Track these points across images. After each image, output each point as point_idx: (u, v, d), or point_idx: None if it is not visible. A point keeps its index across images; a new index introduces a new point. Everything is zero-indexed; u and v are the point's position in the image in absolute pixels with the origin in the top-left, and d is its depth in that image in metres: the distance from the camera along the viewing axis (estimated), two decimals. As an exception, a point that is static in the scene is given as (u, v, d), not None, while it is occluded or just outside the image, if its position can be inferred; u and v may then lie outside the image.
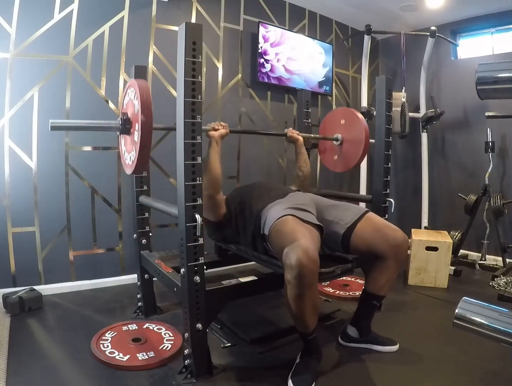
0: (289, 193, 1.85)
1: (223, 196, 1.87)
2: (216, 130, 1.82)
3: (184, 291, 1.50)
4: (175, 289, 1.62)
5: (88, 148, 2.49)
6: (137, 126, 1.50)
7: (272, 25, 3.13)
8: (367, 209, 1.79)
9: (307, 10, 3.46)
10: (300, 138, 2.26)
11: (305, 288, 1.35)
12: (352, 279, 2.70)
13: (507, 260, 2.96)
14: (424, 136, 3.54)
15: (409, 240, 2.66)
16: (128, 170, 1.70)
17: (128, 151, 1.65)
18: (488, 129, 3.05)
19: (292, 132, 2.26)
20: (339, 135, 2.39)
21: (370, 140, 2.25)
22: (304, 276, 1.32)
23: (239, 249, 1.93)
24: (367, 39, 3.50)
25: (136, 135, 1.51)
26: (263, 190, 1.86)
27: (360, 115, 2.28)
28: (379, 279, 1.70)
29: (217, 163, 1.75)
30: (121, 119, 1.60)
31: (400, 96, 3.30)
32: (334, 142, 2.42)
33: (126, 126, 1.60)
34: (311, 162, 2.36)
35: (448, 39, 3.36)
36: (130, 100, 1.62)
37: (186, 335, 1.52)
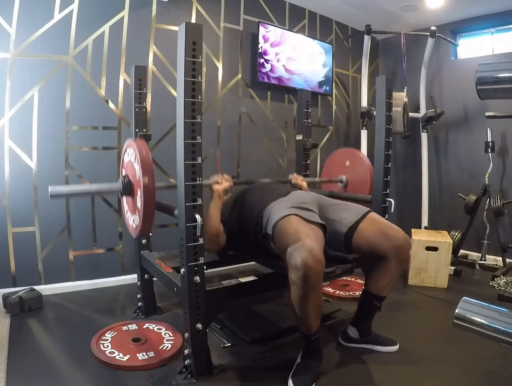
0: (291, 191, 1.83)
1: (222, 234, 1.79)
2: (219, 184, 1.79)
3: (184, 291, 1.50)
4: (175, 289, 1.62)
5: (88, 148, 2.49)
6: (139, 192, 1.51)
7: (272, 25, 3.13)
8: (369, 209, 1.78)
9: (307, 10, 3.46)
10: (305, 184, 2.24)
11: (310, 289, 1.34)
12: (352, 279, 2.70)
13: (507, 260, 2.96)
14: (424, 136, 3.54)
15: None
16: (133, 234, 1.71)
17: (131, 213, 1.66)
18: (488, 129, 3.05)
19: (296, 178, 2.25)
20: (344, 177, 2.41)
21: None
22: (310, 277, 1.31)
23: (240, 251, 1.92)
24: (367, 39, 3.50)
25: (139, 202, 1.52)
26: (264, 189, 1.85)
27: (363, 156, 2.31)
28: (380, 280, 1.70)
29: (217, 218, 1.73)
30: (122, 182, 1.62)
31: (402, 96, 3.30)
32: (339, 184, 2.45)
33: (127, 189, 1.61)
34: (311, 162, 2.36)
35: (448, 39, 3.36)
36: (131, 162, 1.62)
37: (186, 335, 1.52)
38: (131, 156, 1.63)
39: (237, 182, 1.98)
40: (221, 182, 1.80)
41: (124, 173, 1.73)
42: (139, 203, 1.54)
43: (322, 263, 1.34)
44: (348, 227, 1.69)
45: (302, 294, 1.35)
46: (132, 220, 1.68)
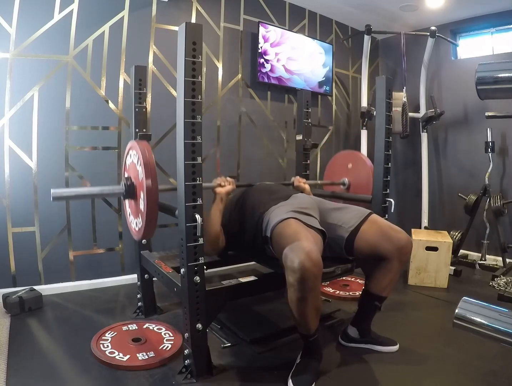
0: (292, 195, 1.82)
1: (222, 236, 1.79)
2: (222, 186, 1.78)
3: (184, 291, 1.50)
4: (175, 289, 1.62)
5: (88, 148, 2.49)
6: (142, 195, 1.50)
7: (272, 25, 3.13)
8: (370, 211, 1.77)
9: (307, 10, 3.46)
10: (307, 186, 2.24)
11: (307, 292, 1.34)
12: (352, 279, 2.70)
13: (507, 260, 2.96)
14: (424, 136, 3.54)
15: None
16: (135, 237, 1.71)
17: (134, 216, 1.65)
18: (488, 129, 3.05)
19: (299, 181, 2.24)
20: (346, 179, 2.42)
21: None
22: (307, 279, 1.30)
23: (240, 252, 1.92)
24: (367, 39, 3.50)
25: (142, 205, 1.51)
26: (265, 193, 1.83)
27: (365, 158, 2.31)
28: (382, 280, 1.69)
29: (217, 222, 1.72)
30: (124, 185, 1.61)
31: (401, 96, 3.30)
32: (342, 186, 2.45)
33: (130, 192, 1.60)
34: (311, 162, 2.35)
35: (448, 39, 3.36)
36: (133, 164, 1.62)
37: (186, 335, 1.52)
38: (133, 158, 1.62)
39: (240, 185, 1.97)
40: (224, 185, 1.78)
41: (126, 175, 1.72)
42: (142, 206, 1.53)
43: (319, 265, 1.33)
44: (349, 231, 1.68)
45: (300, 296, 1.35)
46: (135, 223, 1.67)
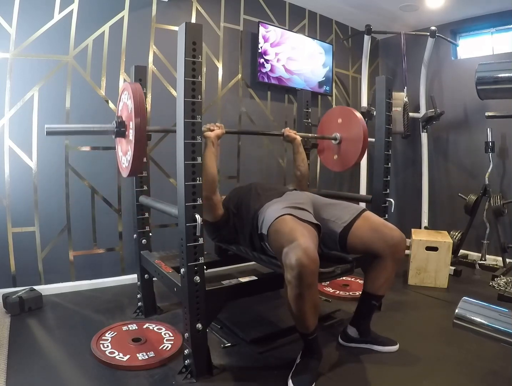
0: (286, 192, 1.85)
1: (220, 196, 1.86)
2: (212, 130, 1.80)
3: (184, 291, 1.50)
4: (175, 289, 1.62)
5: (88, 148, 2.49)
6: (131, 125, 1.50)
7: (272, 25, 3.13)
8: (364, 208, 1.78)
9: (307, 10, 3.46)
10: (298, 137, 2.26)
11: (305, 288, 1.35)
12: (352, 279, 2.70)
13: (507, 260, 2.96)
14: (424, 136, 3.54)
15: (409, 240, 2.66)
16: (125, 173, 1.69)
17: (124, 153, 1.64)
18: (488, 129, 3.05)
19: (289, 131, 2.26)
20: (338, 134, 2.39)
21: (369, 139, 2.25)
22: (305, 276, 1.32)
23: (239, 249, 1.92)
24: (367, 39, 3.50)
25: (131, 134, 1.50)
26: (260, 190, 1.85)
27: (357, 113, 2.28)
28: (377, 279, 1.70)
29: (213, 164, 1.73)
30: (115, 122, 1.60)
31: (402, 96, 3.29)
32: (333, 141, 2.42)
33: (121, 129, 1.60)
34: (311, 163, 2.35)
35: (448, 39, 3.36)
36: (124, 104, 1.61)
37: (186, 335, 1.52)
38: (124, 98, 1.61)
39: (229, 132, 2.00)
40: (214, 129, 1.81)
41: (118, 115, 1.71)
42: (131, 135, 1.51)
43: (316, 261, 1.35)
44: (342, 226, 1.69)
45: (298, 293, 1.36)
46: (126, 160, 1.65)
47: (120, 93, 1.70)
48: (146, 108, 1.52)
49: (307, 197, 1.85)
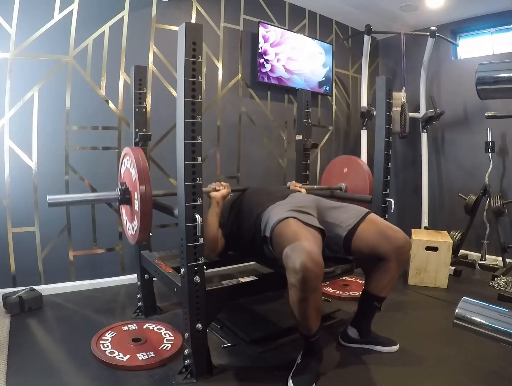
0: (290, 194, 1.82)
1: (221, 239, 1.80)
2: (217, 191, 1.79)
3: (184, 291, 1.50)
4: (175, 289, 1.62)
5: (88, 148, 2.49)
6: (136, 195, 1.51)
7: (272, 25, 3.13)
8: (368, 210, 1.76)
9: (307, 10, 3.46)
10: (303, 190, 2.21)
11: (309, 292, 1.34)
12: (352, 279, 2.70)
13: (507, 260, 2.96)
14: (424, 136, 3.54)
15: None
16: (131, 240, 1.72)
17: (130, 221, 1.66)
18: (488, 129, 3.05)
19: (295, 185, 2.21)
20: (343, 184, 2.42)
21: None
22: (309, 280, 1.30)
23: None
24: (367, 39, 3.50)
25: (136, 204, 1.52)
26: (262, 193, 1.83)
27: (363, 164, 2.32)
28: (381, 280, 1.69)
29: (215, 224, 1.73)
30: (119, 189, 1.61)
31: (400, 96, 3.30)
32: (338, 191, 2.46)
33: (125, 197, 1.61)
34: (311, 162, 2.35)
35: (448, 39, 3.36)
36: (127, 170, 1.62)
37: (186, 335, 1.52)
38: (127, 164, 1.64)
39: (235, 189, 1.97)
40: (219, 189, 1.79)
41: (121, 181, 1.73)
42: (136, 206, 1.54)
43: (321, 265, 1.33)
44: (347, 230, 1.67)
45: (302, 297, 1.35)
46: (132, 228, 1.68)
47: (122, 157, 1.72)
48: (149, 172, 1.54)
49: (311, 200, 1.82)
